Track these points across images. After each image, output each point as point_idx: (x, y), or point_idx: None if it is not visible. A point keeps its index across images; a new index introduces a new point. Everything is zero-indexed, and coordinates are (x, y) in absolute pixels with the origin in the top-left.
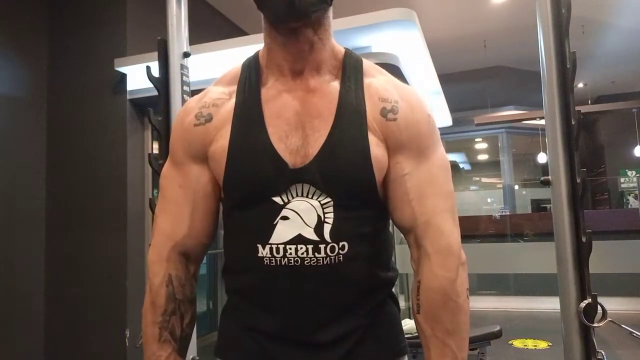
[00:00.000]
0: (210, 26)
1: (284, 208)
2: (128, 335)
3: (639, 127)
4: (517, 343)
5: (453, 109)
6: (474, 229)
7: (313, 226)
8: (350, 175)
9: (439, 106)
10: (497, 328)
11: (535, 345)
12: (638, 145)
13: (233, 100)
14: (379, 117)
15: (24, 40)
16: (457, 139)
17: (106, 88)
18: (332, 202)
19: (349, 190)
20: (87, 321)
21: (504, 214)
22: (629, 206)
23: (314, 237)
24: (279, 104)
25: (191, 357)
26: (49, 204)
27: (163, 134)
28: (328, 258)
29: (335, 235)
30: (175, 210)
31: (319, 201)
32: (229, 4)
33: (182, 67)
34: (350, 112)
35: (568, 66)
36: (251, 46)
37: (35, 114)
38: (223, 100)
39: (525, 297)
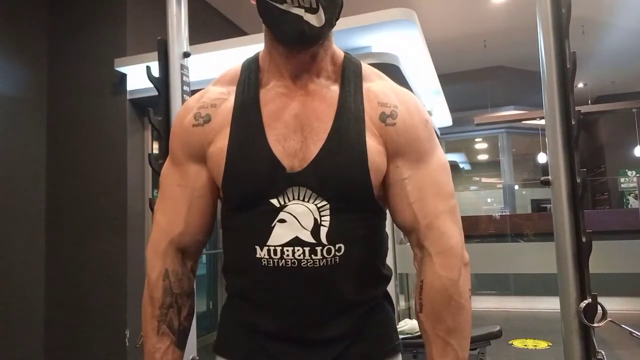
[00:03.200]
0: (210, 26)
1: (281, 211)
2: (128, 335)
3: (639, 127)
4: (517, 343)
5: (453, 109)
6: (473, 229)
7: (310, 229)
8: (346, 179)
9: (439, 106)
10: (497, 328)
11: (535, 345)
12: (638, 145)
13: (232, 101)
14: (378, 121)
15: (24, 40)
16: (457, 139)
17: (106, 88)
18: (328, 206)
19: (345, 194)
20: (87, 321)
21: (503, 213)
22: (629, 206)
23: (311, 240)
24: (278, 106)
25: (191, 357)
26: (49, 204)
27: (163, 134)
28: (324, 260)
29: (332, 237)
30: (173, 208)
31: (316, 205)
32: (229, 4)
33: (182, 67)
34: (349, 117)
35: (568, 66)
36: (251, 46)
37: (35, 114)
38: (221, 100)
39: (525, 297)
